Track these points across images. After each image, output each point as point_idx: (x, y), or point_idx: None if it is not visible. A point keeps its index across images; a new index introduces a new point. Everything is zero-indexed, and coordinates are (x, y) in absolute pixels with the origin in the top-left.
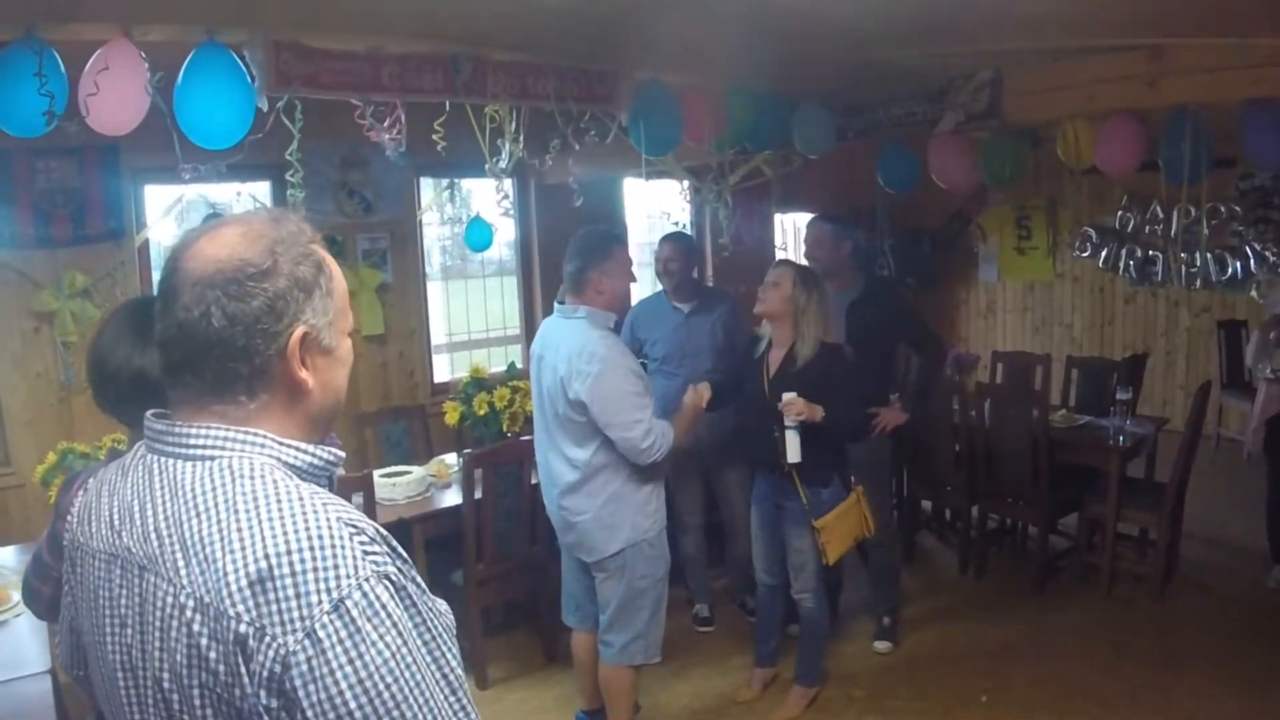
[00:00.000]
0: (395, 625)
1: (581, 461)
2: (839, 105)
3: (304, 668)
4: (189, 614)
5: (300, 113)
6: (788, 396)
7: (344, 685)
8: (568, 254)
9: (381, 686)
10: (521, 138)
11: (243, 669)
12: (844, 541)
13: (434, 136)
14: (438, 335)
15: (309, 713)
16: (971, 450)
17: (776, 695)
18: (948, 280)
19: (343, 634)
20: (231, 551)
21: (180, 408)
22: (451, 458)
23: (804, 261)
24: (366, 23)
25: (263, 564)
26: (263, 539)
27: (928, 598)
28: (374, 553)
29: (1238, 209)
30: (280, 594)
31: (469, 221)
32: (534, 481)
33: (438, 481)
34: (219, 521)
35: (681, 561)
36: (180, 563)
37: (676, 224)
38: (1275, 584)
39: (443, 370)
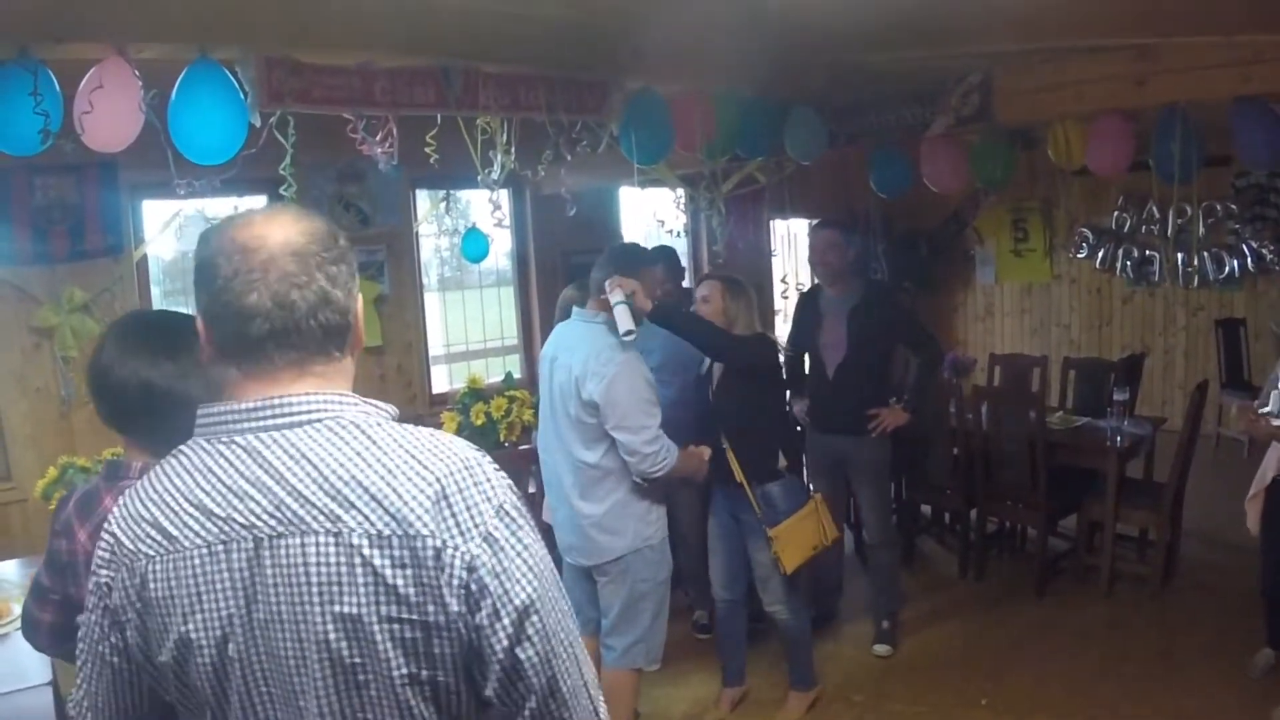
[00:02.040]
0: (530, 521)
1: (590, 464)
2: (830, 110)
3: (486, 567)
4: (367, 552)
5: (293, 128)
6: (615, 279)
7: (518, 575)
8: (599, 262)
9: (541, 568)
10: (513, 149)
11: (438, 582)
12: (800, 551)
13: (427, 149)
14: (435, 346)
15: (495, 605)
16: (970, 453)
17: (770, 705)
18: (945, 283)
19: (507, 532)
20: (404, 484)
21: (279, 375)
22: None
23: (808, 268)
24: (358, 37)
25: (435, 487)
26: (426, 468)
27: (927, 600)
28: (497, 467)
29: (1234, 207)
30: (455, 510)
31: (465, 233)
32: (530, 491)
33: None
34: (376, 464)
35: (681, 568)
36: (340, 511)
37: (670, 231)
38: (1258, 672)
39: (441, 381)
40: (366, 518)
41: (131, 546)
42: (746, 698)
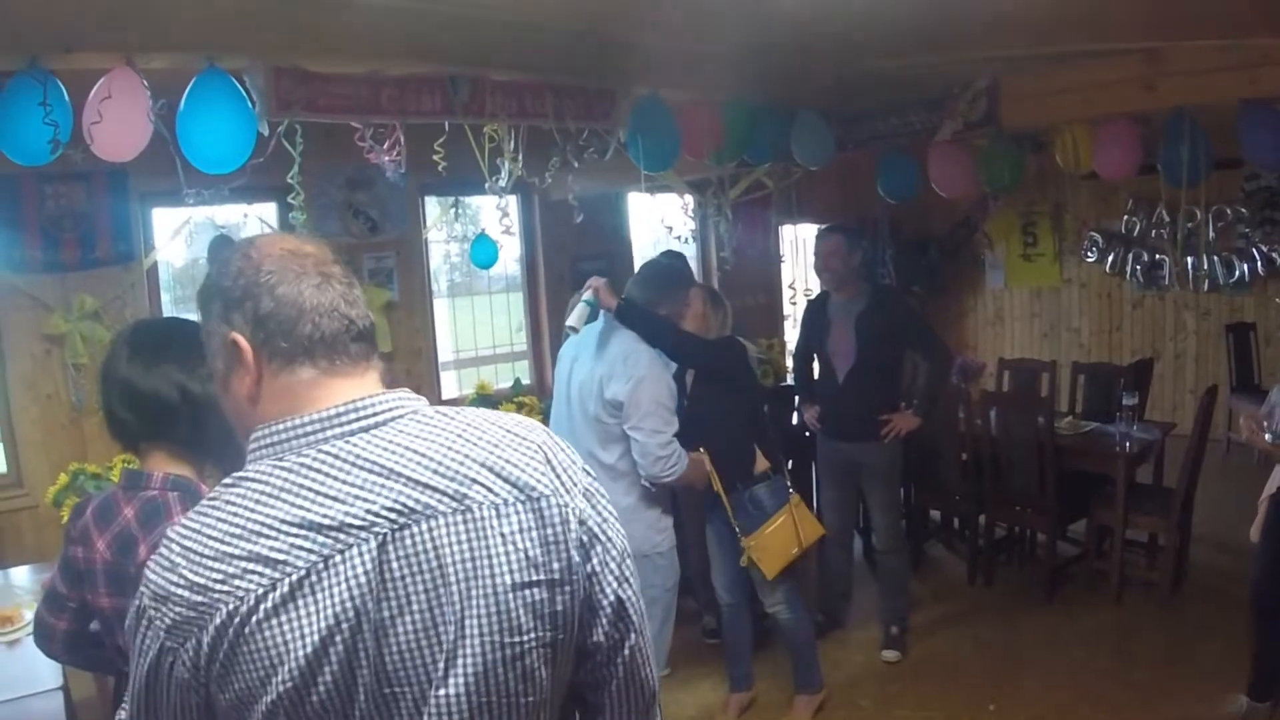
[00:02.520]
0: None
1: (607, 464)
2: (837, 116)
3: (593, 518)
4: (496, 523)
5: (301, 136)
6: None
7: (613, 522)
8: (637, 281)
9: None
10: (520, 156)
11: (563, 537)
12: (780, 557)
13: (435, 157)
14: (445, 352)
15: (604, 551)
16: (978, 458)
17: (777, 710)
18: (955, 288)
19: (596, 486)
20: (514, 455)
21: (356, 371)
22: None
23: (815, 272)
24: (365, 46)
25: (541, 454)
26: (526, 439)
27: (936, 606)
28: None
29: (1244, 210)
30: (559, 472)
31: (474, 239)
32: None
33: None
34: (481, 440)
35: (690, 574)
36: (463, 489)
37: (678, 238)
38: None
39: (450, 387)
40: (490, 489)
41: (224, 587)
42: (754, 703)
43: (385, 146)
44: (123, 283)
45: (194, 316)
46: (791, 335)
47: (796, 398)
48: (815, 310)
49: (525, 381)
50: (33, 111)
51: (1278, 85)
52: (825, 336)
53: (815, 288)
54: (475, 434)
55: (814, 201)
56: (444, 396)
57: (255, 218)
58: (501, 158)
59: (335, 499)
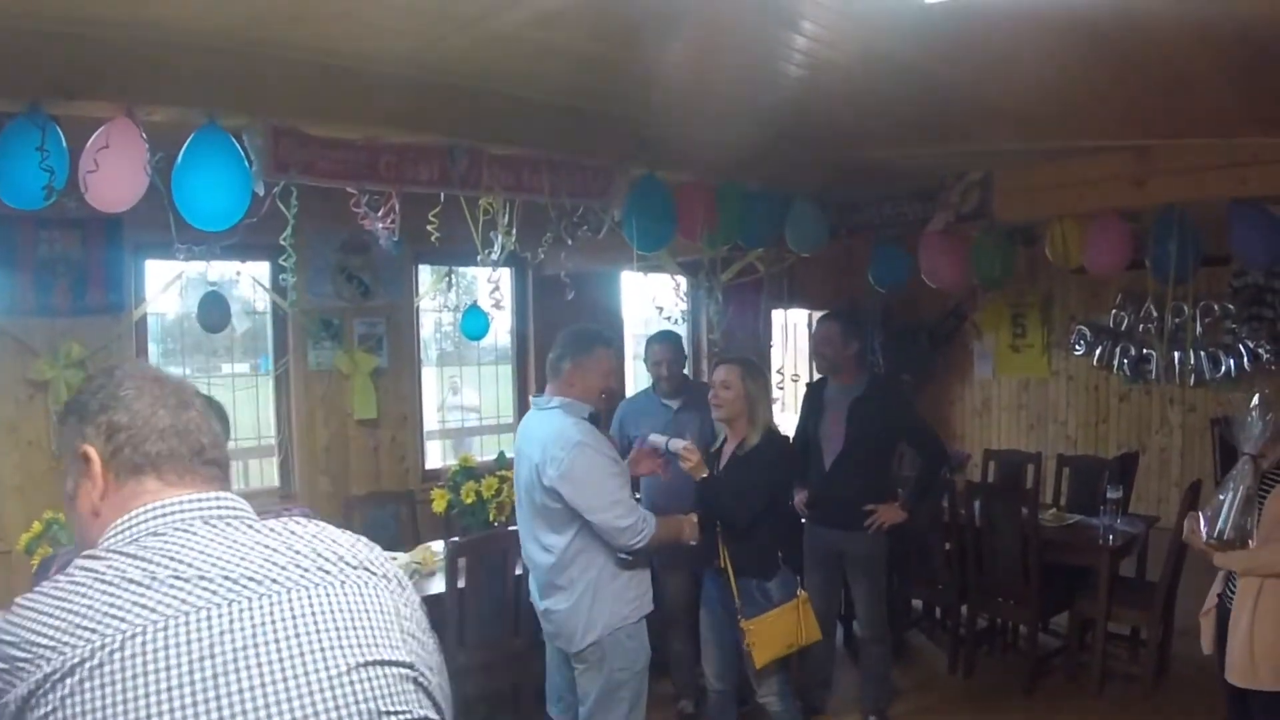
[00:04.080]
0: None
1: (558, 548)
2: (832, 204)
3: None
4: (372, 588)
5: (296, 198)
6: (678, 442)
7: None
8: (555, 343)
9: None
10: (514, 230)
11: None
12: (773, 647)
13: (429, 227)
14: (431, 422)
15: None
16: (962, 548)
17: None
18: (944, 376)
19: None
20: (350, 542)
21: (213, 484)
22: (438, 545)
23: (807, 357)
24: (366, 112)
25: (367, 544)
26: (345, 534)
27: (917, 696)
28: None
29: (1231, 306)
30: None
31: (465, 310)
32: (518, 573)
33: (423, 569)
34: (318, 537)
35: (667, 656)
36: (329, 565)
37: (668, 318)
38: None
39: (435, 457)
40: (348, 565)
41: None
42: None
43: (380, 213)
44: (110, 332)
45: (180, 370)
46: (779, 419)
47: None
48: (813, 394)
49: (509, 455)
50: (29, 156)
51: (1267, 184)
52: (819, 421)
53: (802, 373)
54: (310, 533)
55: (806, 287)
56: (428, 466)
57: (248, 276)
58: (495, 230)
59: (218, 559)
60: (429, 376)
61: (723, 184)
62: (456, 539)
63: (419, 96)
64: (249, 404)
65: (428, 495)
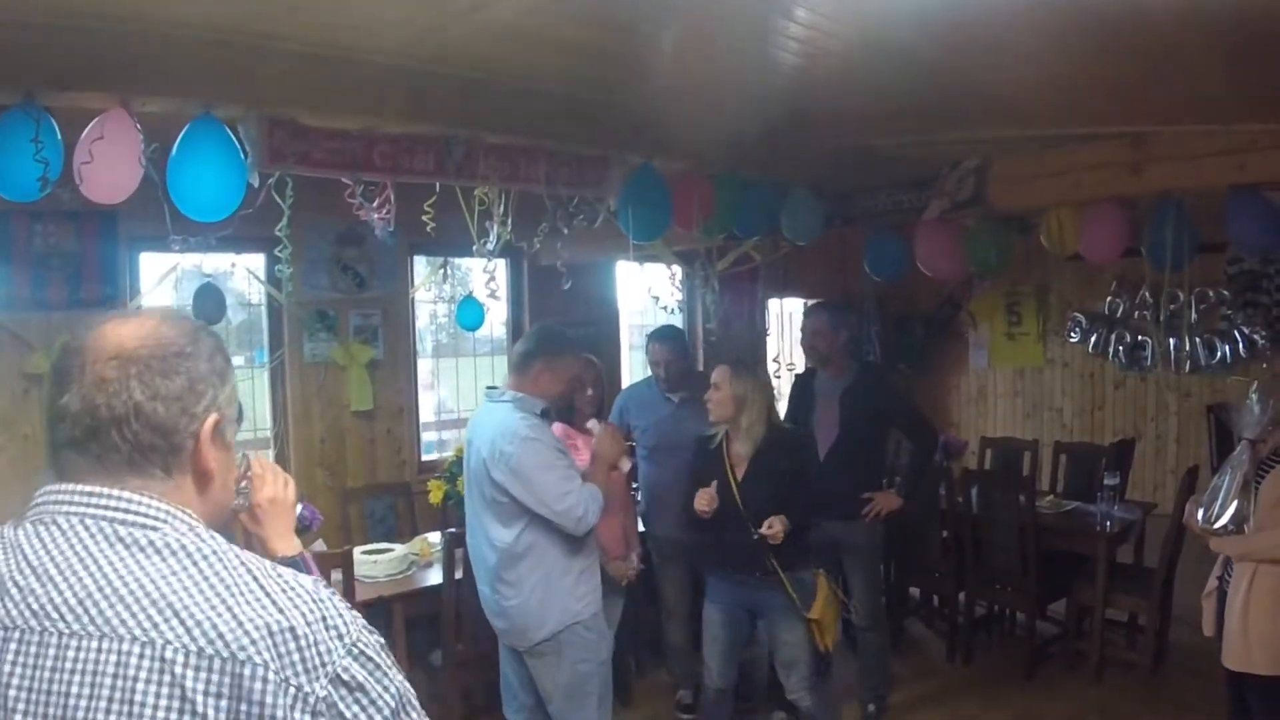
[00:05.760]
0: (394, 662)
1: (507, 543)
2: (828, 192)
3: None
4: (179, 669)
5: (291, 189)
6: (768, 530)
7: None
8: (524, 336)
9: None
10: (510, 220)
11: (267, 713)
12: (832, 628)
13: (424, 217)
14: (427, 413)
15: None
16: (959, 536)
17: None
18: (940, 365)
19: (364, 674)
20: (243, 609)
21: (87, 477)
22: (435, 536)
23: (801, 348)
24: (362, 102)
25: (279, 619)
26: (270, 598)
27: (915, 684)
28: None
29: (1226, 293)
30: (300, 647)
31: (461, 301)
32: None
33: (420, 560)
34: (212, 582)
35: (665, 647)
36: (158, 621)
37: (664, 307)
38: None
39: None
40: (188, 633)
41: None
42: None
43: (375, 204)
44: None
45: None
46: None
47: None
48: (802, 385)
49: None
50: (24, 148)
51: (1264, 171)
52: (810, 412)
53: (798, 362)
54: (216, 577)
55: (802, 276)
56: (424, 458)
57: (243, 268)
58: (491, 221)
59: (35, 574)
60: (425, 368)
61: (719, 173)
62: (453, 530)
63: (415, 86)
64: (244, 396)
65: (425, 486)
